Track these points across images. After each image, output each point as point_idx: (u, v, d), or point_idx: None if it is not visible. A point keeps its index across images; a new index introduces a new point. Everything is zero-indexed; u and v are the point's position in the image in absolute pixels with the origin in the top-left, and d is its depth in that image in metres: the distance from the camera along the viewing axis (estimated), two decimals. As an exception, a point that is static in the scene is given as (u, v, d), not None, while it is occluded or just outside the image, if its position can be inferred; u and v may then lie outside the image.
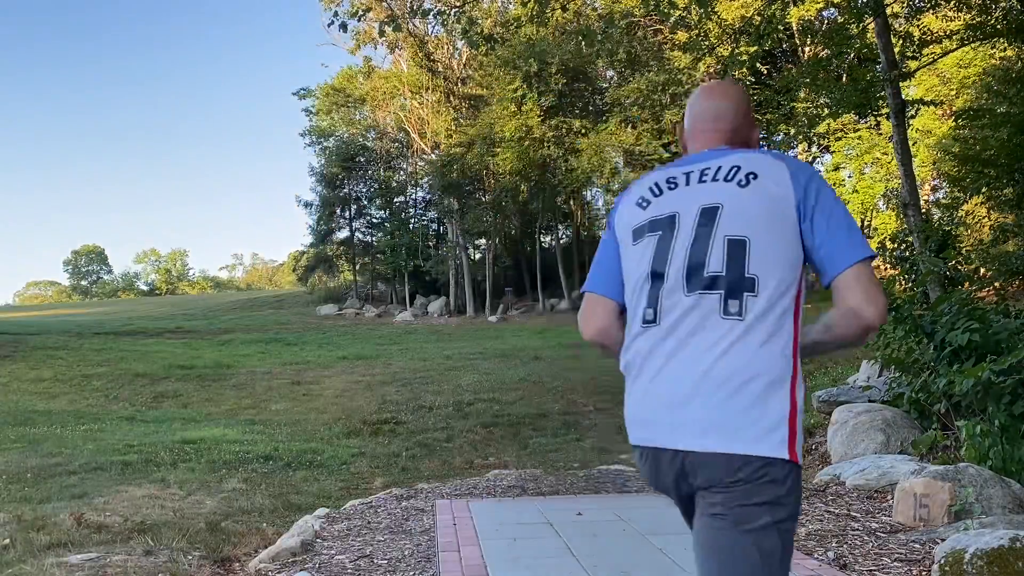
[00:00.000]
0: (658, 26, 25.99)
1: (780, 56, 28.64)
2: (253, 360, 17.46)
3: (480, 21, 26.69)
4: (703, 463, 1.55)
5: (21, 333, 22.65)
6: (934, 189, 25.68)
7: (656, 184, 1.79)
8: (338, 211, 37.32)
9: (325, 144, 37.34)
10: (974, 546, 2.94)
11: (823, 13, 21.40)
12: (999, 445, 4.59)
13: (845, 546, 3.59)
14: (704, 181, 1.72)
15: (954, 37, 11.17)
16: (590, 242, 34.57)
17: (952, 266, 8.03)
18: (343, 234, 37.91)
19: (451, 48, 33.85)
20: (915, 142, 20.42)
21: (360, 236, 37.86)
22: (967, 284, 7.67)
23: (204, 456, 7.44)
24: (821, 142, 23.87)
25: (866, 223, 28.90)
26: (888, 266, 9.12)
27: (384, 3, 30.04)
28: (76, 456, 7.49)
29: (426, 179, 35.18)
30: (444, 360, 16.04)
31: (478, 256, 34.49)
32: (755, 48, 10.98)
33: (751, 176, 1.67)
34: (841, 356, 12.39)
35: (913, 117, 16.21)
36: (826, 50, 12.61)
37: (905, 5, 11.42)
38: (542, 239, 33.34)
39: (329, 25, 31.54)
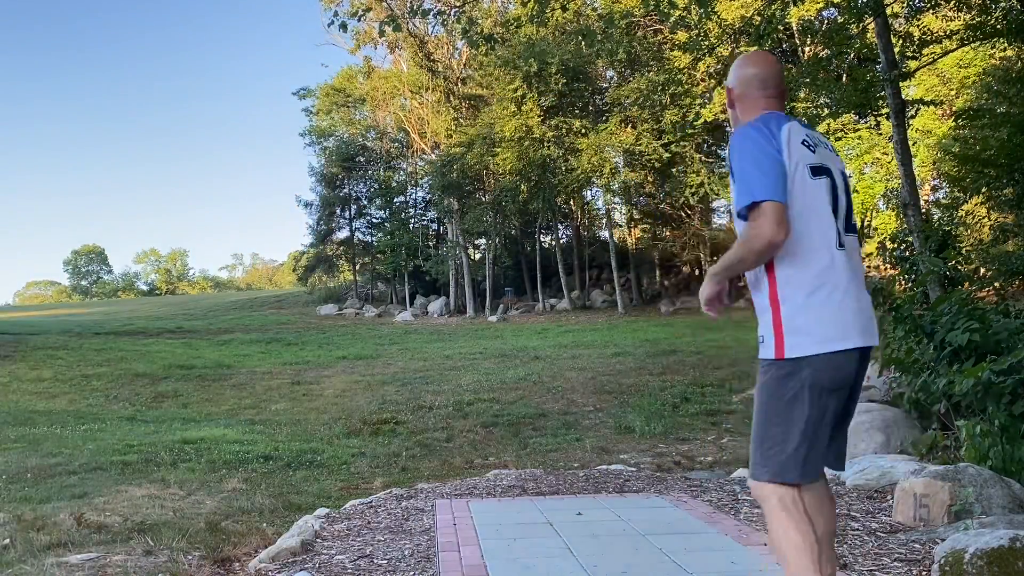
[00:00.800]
0: (658, 26, 25.97)
1: (780, 56, 28.65)
2: (253, 360, 17.46)
3: (480, 21, 26.71)
4: (868, 355, 2.20)
5: (21, 333, 22.65)
6: (934, 189, 25.67)
7: (808, 136, 2.21)
8: (338, 211, 37.33)
9: (325, 144, 37.35)
10: (974, 546, 2.94)
11: (823, 13, 21.39)
12: (999, 445, 4.59)
13: (845, 546, 3.59)
14: (827, 148, 2.26)
15: (954, 37, 11.17)
16: (590, 242, 34.60)
17: (952, 266, 8.03)
18: (343, 234, 37.95)
19: (451, 48, 33.85)
20: (915, 142, 20.40)
21: (360, 236, 37.89)
22: (967, 284, 7.68)
23: (204, 456, 7.44)
24: (821, 142, 23.77)
25: (866, 223, 28.92)
26: (888, 266, 9.12)
27: (384, 3, 30.03)
28: (76, 456, 7.49)
29: (426, 179, 35.18)
30: (444, 360, 16.04)
31: (478, 256, 34.50)
32: (755, 48, 10.97)
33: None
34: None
35: (913, 117, 16.22)
36: (826, 50, 12.62)
37: (905, 5, 11.42)
38: (542, 239, 33.35)
39: (329, 25, 31.61)
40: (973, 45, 13.51)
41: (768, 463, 2.15)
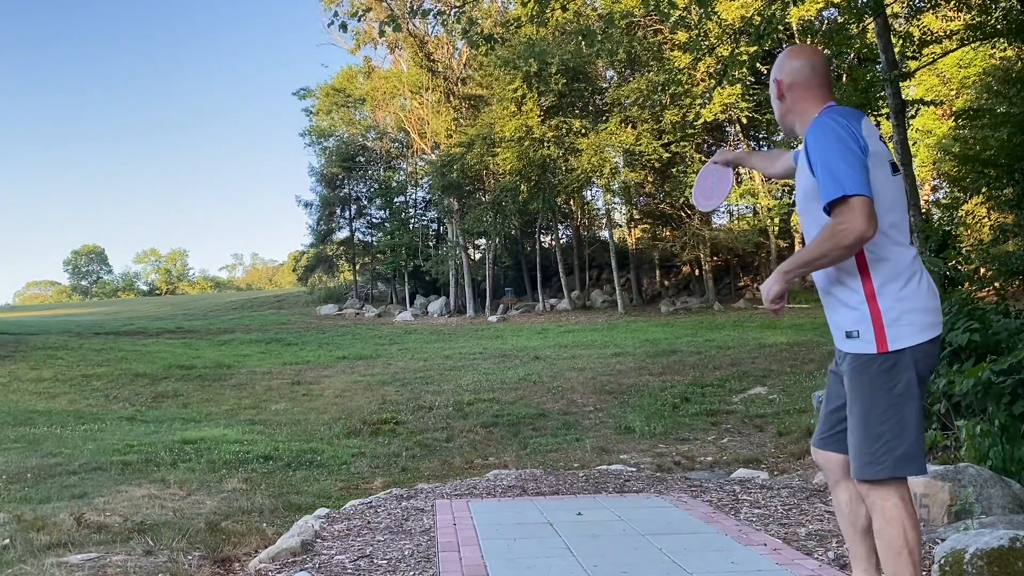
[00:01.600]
0: (658, 26, 25.97)
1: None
2: (253, 360, 17.46)
3: (480, 21, 26.71)
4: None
5: (21, 333, 22.65)
6: (934, 189, 25.68)
7: (875, 130, 2.24)
8: (338, 211, 37.33)
9: (325, 144, 37.37)
10: (974, 546, 2.94)
11: (823, 13, 21.40)
12: (999, 445, 4.59)
13: (845, 546, 3.59)
14: (883, 140, 2.25)
15: (954, 37, 11.18)
16: (590, 242, 34.59)
17: (952, 266, 8.02)
18: (343, 234, 37.95)
19: (451, 48, 33.86)
20: (915, 142, 20.41)
21: (360, 236, 37.90)
22: (967, 284, 7.67)
23: (204, 456, 7.43)
24: (821, 142, 23.80)
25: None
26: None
27: (384, 3, 30.04)
28: (76, 456, 7.49)
29: (426, 179, 35.18)
30: (444, 360, 16.04)
31: (478, 256, 34.50)
32: (755, 48, 10.96)
33: None
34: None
35: (913, 117, 16.22)
36: (826, 50, 12.60)
37: (905, 5, 11.42)
38: (542, 239, 33.34)
39: (329, 25, 31.54)
40: (973, 45, 13.50)
41: (884, 460, 2.12)
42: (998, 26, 10.12)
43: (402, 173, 37.79)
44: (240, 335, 23.76)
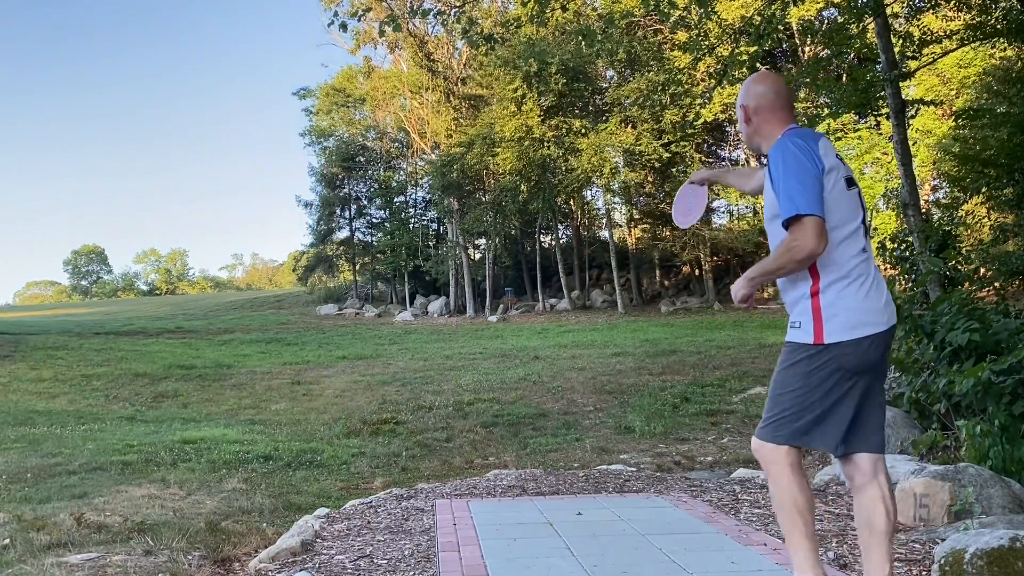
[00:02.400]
0: (658, 26, 25.97)
1: (780, 56, 28.63)
2: (253, 360, 17.46)
3: (480, 21, 26.70)
4: (892, 335, 2.44)
5: (21, 333, 22.65)
6: (934, 189, 25.66)
7: (832, 148, 2.46)
8: (338, 211, 37.33)
9: (325, 144, 37.35)
10: (974, 546, 2.94)
11: (823, 13, 21.39)
12: (999, 445, 4.59)
13: (845, 546, 3.59)
14: (839, 158, 2.46)
15: (954, 37, 11.16)
16: (590, 242, 34.59)
17: (952, 266, 8.02)
18: (343, 234, 37.95)
19: (451, 48, 33.85)
20: (915, 142, 20.40)
21: (360, 236, 37.89)
22: (967, 284, 7.66)
23: (204, 456, 7.43)
24: (821, 142, 23.83)
25: (866, 223, 28.89)
26: (888, 266, 9.13)
27: (384, 3, 30.04)
28: (76, 456, 7.49)
29: (426, 179, 35.18)
30: (444, 360, 16.04)
31: (478, 256, 34.50)
32: (755, 48, 10.95)
33: None
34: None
35: (913, 117, 16.20)
36: (826, 50, 12.62)
37: (905, 5, 11.42)
38: (542, 239, 33.34)
39: (329, 25, 31.50)
40: (973, 45, 13.50)
41: (781, 430, 2.45)
42: (998, 26, 10.12)
43: (402, 173, 37.79)
44: (240, 335, 23.76)
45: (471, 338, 21.53)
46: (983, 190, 13.51)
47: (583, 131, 27.10)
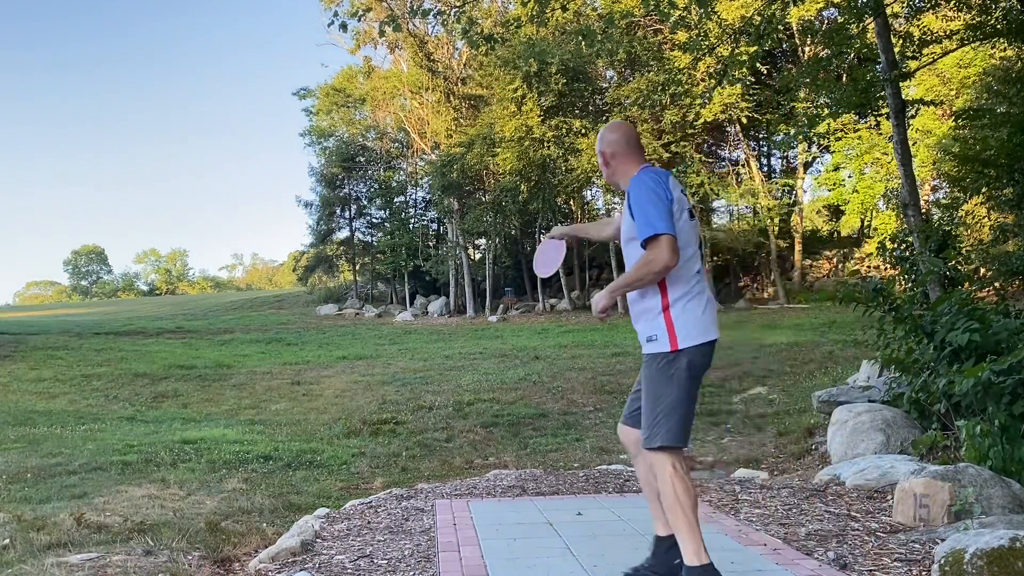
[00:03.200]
0: (658, 26, 25.97)
1: (780, 56, 28.65)
2: (253, 360, 17.46)
3: (480, 21, 26.69)
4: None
5: (21, 333, 22.65)
6: (934, 189, 25.68)
7: (678, 184, 2.91)
8: (338, 211, 37.30)
9: (325, 144, 37.33)
10: (974, 546, 2.94)
11: (823, 13, 21.42)
12: (999, 445, 4.59)
13: (845, 546, 3.59)
14: (684, 192, 2.93)
15: (954, 37, 11.15)
16: (590, 242, 34.56)
17: (952, 266, 8.01)
18: (343, 234, 37.92)
19: (451, 48, 33.84)
20: (915, 142, 20.42)
21: (360, 236, 37.86)
22: (967, 284, 7.65)
23: (204, 456, 7.43)
24: (821, 142, 23.87)
25: (866, 223, 28.91)
26: (888, 266, 9.11)
27: (384, 3, 30.04)
28: (76, 456, 7.49)
29: (426, 179, 35.16)
30: (444, 360, 16.04)
31: (478, 256, 34.49)
32: (755, 48, 10.93)
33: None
34: (841, 356, 12.41)
35: (913, 117, 16.19)
36: (826, 50, 12.59)
37: (905, 5, 11.41)
38: (542, 239, 33.30)
39: (329, 25, 31.60)
40: (973, 45, 13.49)
41: (658, 432, 2.77)
42: (998, 26, 10.10)
43: (402, 173, 37.77)
44: (240, 335, 23.76)
45: (471, 338, 21.54)
46: (983, 190, 13.50)
47: (583, 131, 27.09)
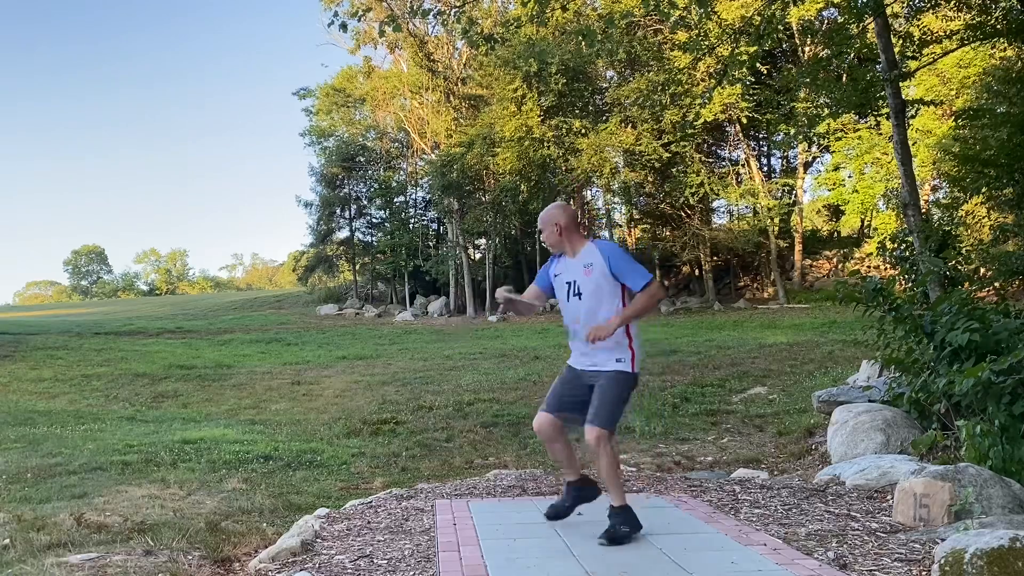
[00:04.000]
0: (658, 26, 25.97)
1: (780, 56, 28.63)
2: (253, 360, 17.46)
3: (480, 21, 26.69)
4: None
5: (21, 333, 22.65)
6: (934, 189, 25.67)
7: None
8: (338, 211, 37.28)
9: (325, 144, 37.31)
10: (974, 546, 2.94)
11: (823, 13, 21.41)
12: (999, 445, 4.59)
13: (845, 546, 3.59)
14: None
15: (954, 37, 11.16)
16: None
17: (952, 266, 8.01)
18: (343, 234, 37.89)
19: (451, 48, 33.84)
20: (915, 142, 20.40)
21: (360, 236, 37.82)
22: (967, 284, 7.65)
23: (204, 456, 7.42)
24: (821, 142, 23.91)
25: (866, 223, 28.90)
26: (888, 266, 9.10)
27: (384, 3, 30.05)
28: (76, 456, 7.48)
29: (426, 179, 35.16)
30: (444, 360, 16.04)
31: (478, 256, 34.49)
32: (755, 48, 10.94)
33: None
34: (841, 356, 12.40)
35: (913, 117, 16.20)
36: (826, 50, 12.61)
37: (905, 5, 11.42)
38: (542, 239, 33.28)
39: (329, 25, 31.52)
40: (973, 45, 13.49)
41: (614, 421, 3.79)
42: (998, 26, 10.11)
43: (402, 173, 37.76)
44: (240, 335, 23.76)
45: (471, 338, 21.53)
46: (983, 190, 13.50)
47: (583, 131, 27.09)
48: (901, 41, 10.64)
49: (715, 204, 30.66)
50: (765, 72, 24.31)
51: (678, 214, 28.61)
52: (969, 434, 4.73)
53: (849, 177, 26.55)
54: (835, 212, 30.37)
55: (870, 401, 6.52)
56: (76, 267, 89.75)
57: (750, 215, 29.73)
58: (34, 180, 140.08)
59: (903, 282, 8.19)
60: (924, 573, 3.18)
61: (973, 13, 10.50)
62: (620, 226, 32.65)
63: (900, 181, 10.00)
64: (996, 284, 8.63)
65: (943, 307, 5.76)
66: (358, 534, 4.08)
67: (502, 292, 4.27)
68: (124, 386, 13.89)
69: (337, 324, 28.52)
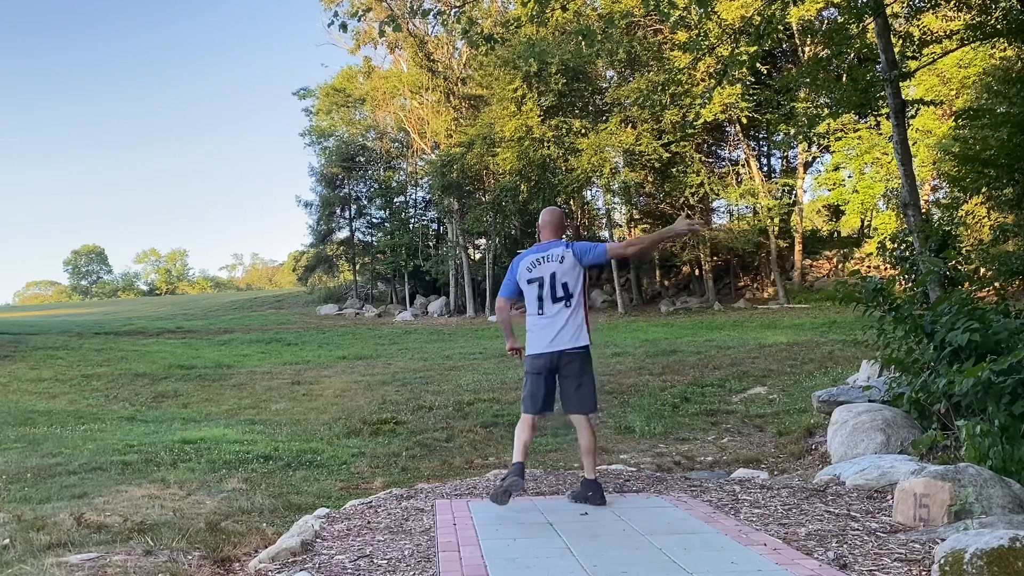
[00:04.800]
0: (658, 26, 25.97)
1: (780, 56, 28.64)
2: (253, 360, 17.46)
3: (480, 21, 26.70)
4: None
5: (21, 333, 22.66)
6: (934, 189, 25.67)
7: (534, 260, 4.84)
8: (338, 211, 37.31)
9: (325, 144, 37.34)
10: (974, 546, 2.94)
11: (823, 13, 21.39)
12: (999, 445, 4.59)
13: (845, 546, 3.59)
14: (550, 262, 4.75)
15: (954, 37, 11.15)
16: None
17: (952, 266, 8.01)
18: (343, 234, 37.92)
19: (451, 48, 33.85)
20: (915, 142, 20.41)
21: (360, 236, 37.86)
22: (967, 284, 7.65)
23: (204, 456, 7.43)
24: (821, 142, 23.87)
25: (866, 223, 28.90)
26: (888, 266, 9.10)
27: (384, 3, 30.05)
28: (76, 456, 7.49)
29: (426, 179, 35.16)
30: (444, 360, 16.04)
31: (478, 256, 34.49)
32: (755, 48, 10.93)
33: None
34: (841, 356, 12.40)
35: (913, 117, 16.19)
36: (826, 50, 12.59)
37: (905, 5, 11.41)
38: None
39: (329, 25, 31.65)
40: (973, 45, 13.49)
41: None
42: (998, 26, 10.10)
43: (402, 173, 37.77)
44: (240, 335, 23.76)
45: (471, 338, 21.53)
46: (983, 190, 13.50)
47: (583, 131, 27.08)
48: (901, 41, 10.63)
49: (715, 204, 30.68)
50: (765, 72, 24.31)
51: (678, 214, 28.53)
52: (969, 434, 4.73)
53: (849, 177, 26.55)
54: (835, 212, 30.35)
55: (870, 401, 6.52)
56: (76, 267, 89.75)
57: (750, 215, 29.73)
58: (34, 180, 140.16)
59: (903, 282, 8.18)
60: (924, 573, 3.18)
61: (973, 13, 10.49)
62: (620, 226, 32.65)
63: (900, 181, 10.00)
64: (996, 284, 8.62)
65: (943, 307, 5.76)
66: (358, 534, 4.08)
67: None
68: (124, 386, 13.89)
69: (337, 324, 28.52)
